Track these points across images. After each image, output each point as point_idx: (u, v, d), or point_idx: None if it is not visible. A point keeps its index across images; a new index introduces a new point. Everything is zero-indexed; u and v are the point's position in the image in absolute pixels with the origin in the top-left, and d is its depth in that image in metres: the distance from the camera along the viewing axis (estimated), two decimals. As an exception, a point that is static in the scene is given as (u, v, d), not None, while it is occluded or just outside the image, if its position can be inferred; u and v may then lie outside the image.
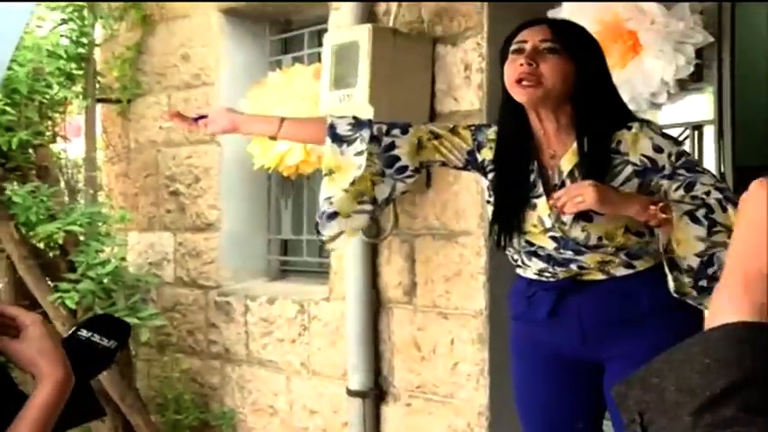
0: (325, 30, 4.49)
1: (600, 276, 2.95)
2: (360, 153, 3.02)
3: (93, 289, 4.63)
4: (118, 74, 5.58)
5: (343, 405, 4.32)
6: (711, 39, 3.56)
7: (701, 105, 3.70)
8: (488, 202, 3.08)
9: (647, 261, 2.94)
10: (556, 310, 2.99)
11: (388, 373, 4.22)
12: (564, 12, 3.76)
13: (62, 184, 5.33)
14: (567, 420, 3.01)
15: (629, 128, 2.88)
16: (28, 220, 4.66)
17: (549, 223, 2.91)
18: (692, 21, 3.56)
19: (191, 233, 5.26)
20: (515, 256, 3.04)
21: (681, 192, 2.78)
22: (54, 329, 1.63)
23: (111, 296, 4.74)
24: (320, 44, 4.26)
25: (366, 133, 3.03)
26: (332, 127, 3.08)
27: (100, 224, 4.94)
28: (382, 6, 4.27)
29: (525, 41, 2.88)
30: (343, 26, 4.27)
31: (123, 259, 5.15)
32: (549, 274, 2.99)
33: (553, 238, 2.92)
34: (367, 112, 3.75)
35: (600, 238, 2.89)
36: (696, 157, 3.60)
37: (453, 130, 3.08)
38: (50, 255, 4.96)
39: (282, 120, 3.18)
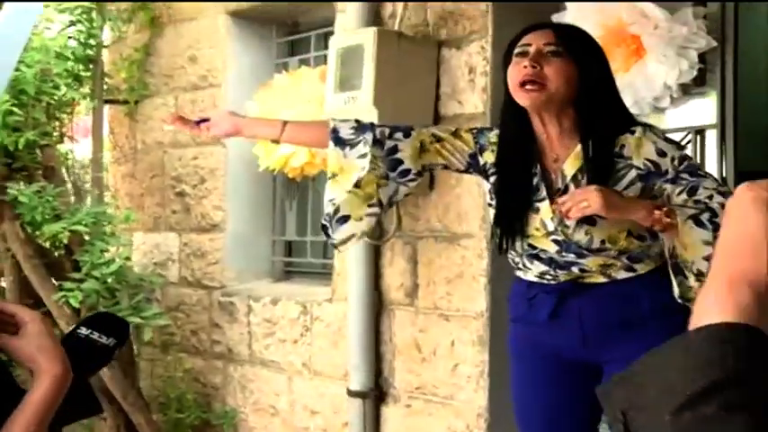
0: (332, 32, 4.51)
1: (601, 279, 2.96)
2: (363, 156, 3.03)
3: (98, 288, 4.64)
4: (125, 75, 5.60)
5: (344, 405, 4.33)
6: (715, 43, 3.57)
7: (704, 110, 3.70)
8: (490, 205, 3.09)
9: (648, 264, 2.95)
10: (557, 312, 2.99)
11: (388, 374, 4.23)
12: (568, 16, 3.77)
13: (68, 185, 5.35)
14: (565, 422, 3.01)
15: (633, 132, 2.89)
16: (33, 219, 4.67)
17: (551, 227, 2.92)
18: (695, 25, 3.57)
19: (196, 234, 5.28)
20: (516, 259, 3.04)
21: (684, 196, 2.79)
22: (52, 327, 1.64)
23: (115, 295, 4.76)
24: (327, 47, 4.28)
25: (369, 136, 3.04)
26: (335, 131, 3.08)
27: (105, 224, 4.95)
28: (388, 9, 4.28)
29: (529, 45, 2.89)
30: (349, 29, 4.28)
31: (128, 259, 5.16)
32: (549, 277, 3.00)
33: (555, 241, 2.93)
34: (371, 115, 3.77)
35: (603, 242, 2.89)
36: (698, 161, 3.60)
37: (455, 134, 3.08)
38: (55, 254, 4.98)
39: (285, 123, 3.19)
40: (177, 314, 5.31)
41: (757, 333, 0.85)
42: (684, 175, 2.83)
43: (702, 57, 3.60)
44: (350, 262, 4.30)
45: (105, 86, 5.56)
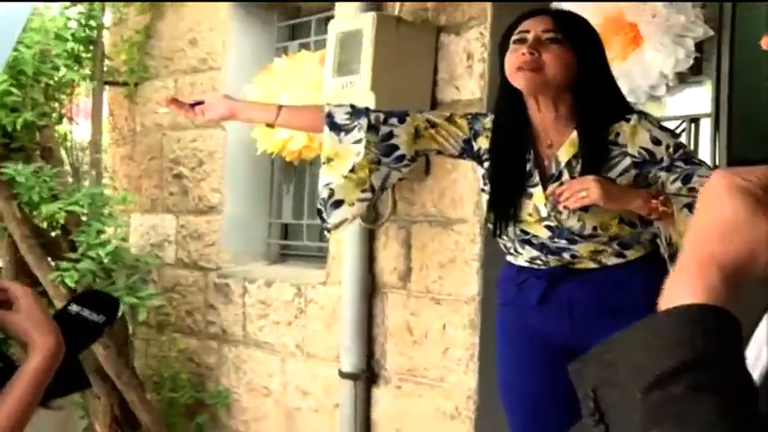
0: (333, 17, 4.51)
1: (591, 265, 2.97)
2: (358, 141, 3.04)
3: (93, 268, 4.66)
4: (126, 57, 5.61)
5: (336, 387, 4.35)
6: (712, 32, 3.57)
7: (699, 98, 3.70)
8: (483, 190, 3.10)
9: (638, 251, 2.96)
10: (546, 296, 3.01)
11: (380, 356, 4.24)
12: (566, 3, 3.77)
13: (67, 166, 5.36)
14: (550, 407, 3.01)
15: (628, 120, 2.90)
16: (31, 199, 4.69)
17: (544, 212, 2.93)
18: (692, 14, 3.57)
19: (193, 216, 5.30)
20: (508, 244, 3.05)
21: (678, 184, 2.80)
22: (44, 302, 1.66)
23: (111, 276, 4.78)
24: (327, 31, 4.28)
25: (364, 122, 3.05)
26: (330, 115, 3.09)
27: (102, 205, 4.96)
28: (389, -7, 4.29)
29: (528, 31, 2.90)
30: (349, 14, 4.29)
31: (124, 240, 5.18)
32: (540, 262, 3.01)
33: (548, 227, 2.94)
34: (369, 100, 3.77)
35: (595, 228, 2.91)
36: (692, 149, 3.61)
37: (450, 119, 3.09)
38: (52, 234, 4.99)
39: (280, 107, 3.21)
40: (173, 295, 5.33)
41: (726, 315, 0.86)
42: (679, 163, 2.84)
43: (699, 46, 3.60)
44: (344, 245, 4.31)
45: (105, 68, 5.56)
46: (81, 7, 5.35)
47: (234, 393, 4.98)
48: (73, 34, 5.29)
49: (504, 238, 3.03)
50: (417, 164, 3.39)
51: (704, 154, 3.61)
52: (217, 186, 5.17)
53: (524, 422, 3.12)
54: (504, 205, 3.00)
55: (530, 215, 2.96)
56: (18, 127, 4.79)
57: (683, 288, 0.88)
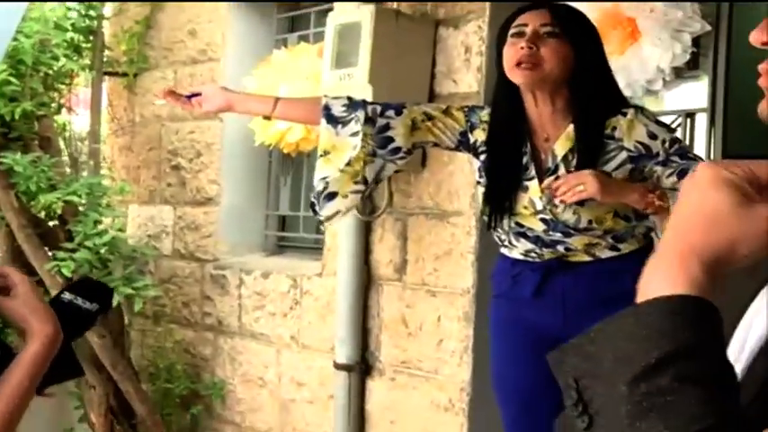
0: (332, 9, 4.51)
1: (586, 258, 2.99)
2: (355, 134, 3.05)
3: (90, 258, 4.65)
4: (125, 48, 5.60)
5: (331, 378, 4.35)
6: (709, 28, 3.58)
7: (695, 93, 3.71)
8: (479, 183, 3.11)
9: (632, 244, 2.98)
10: (541, 289, 3.02)
11: (374, 348, 4.25)
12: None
13: (65, 156, 5.36)
14: (544, 400, 3.01)
15: (625, 114, 2.91)
16: (28, 189, 4.68)
17: (540, 205, 2.94)
18: (690, 9, 3.58)
19: (190, 207, 5.30)
20: (503, 237, 3.06)
21: (673, 178, 2.81)
22: (40, 291, 1.67)
23: (108, 266, 4.78)
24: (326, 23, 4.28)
25: (361, 114, 3.05)
26: (327, 108, 3.10)
27: (99, 195, 4.96)
28: (388, -13, 4.29)
29: (526, 25, 2.90)
30: (348, 6, 4.28)
31: (121, 230, 5.18)
32: (534, 255, 3.02)
33: (543, 220, 2.95)
34: (366, 92, 3.77)
35: (590, 222, 2.92)
36: (687, 144, 3.61)
37: (446, 111, 3.10)
38: (49, 224, 4.99)
39: (277, 100, 3.22)
40: (169, 286, 5.33)
41: (708, 306, 0.86)
42: (675, 158, 2.86)
43: (696, 41, 3.61)
44: (341, 237, 4.32)
45: (105, 58, 5.56)
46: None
47: (229, 384, 4.99)
48: (73, 24, 5.28)
49: (499, 230, 3.04)
50: (414, 156, 3.40)
51: (700, 149, 3.62)
52: (214, 178, 5.17)
53: (517, 414, 3.13)
54: (499, 198, 3.01)
55: (525, 208, 2.97)
56: (17, 116, 4.79)
57: (663, 278, 0.88)
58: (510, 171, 3.00)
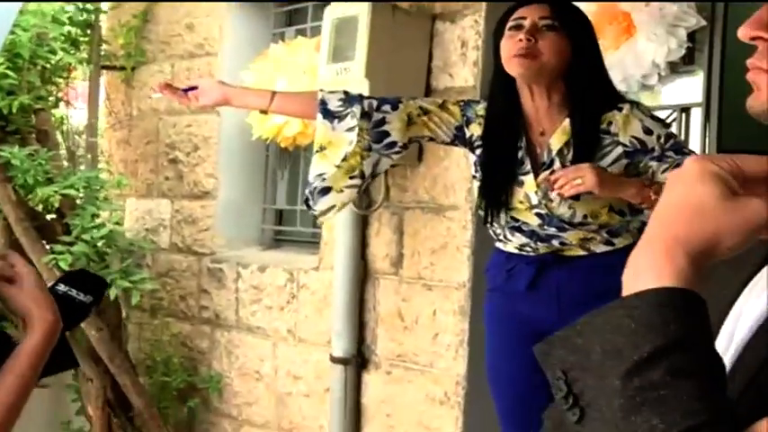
0: (329, 3, 4.51)
1: (580, 252, 3.00)
2: (351, 129, 3.05)
3: (87, 252, 4.66)
4: (123, 41, 5.60)
5: (327, 372, 4.36)
6: (704, 22, 3.58)
7: (690, 88, 3.72)
8: (474, 177, 3.12)
9: (627, 239, 2.99)
10: (535, 282, 3.03)
11: (371, 341, 4.26)
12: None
13: (62, 150, 5.37)
14: (538, 393, 3.02)
15: (620, 109, 2.92)
16: (26, 182, 4.68)
17: (535, 200, 2.95)
18: (685, 4, 3.58)
19: (188, 200, 5.31)
20: (498, 231, 3.07)
21: (668, 173, 2.82)
22: (44, 282, 1.69)
23: (105, 259, 4.79)
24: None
25: (357, 109, 3.06)
26: (323, 102, 3.11)
27: (97, 189, 4.97)
28: (385, -19, 4.29)
29: (524, 18, 2.91)
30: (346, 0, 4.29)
31: (119, 224, 5.19)
32: (530, 249, 3.03)
33: (538, 214, 2.96)
34: (363, 86, 3.78)
35: (585, 216, 2.93)
36: (682, 139, 3.62)
37: (442, 106, 3.11)
38: (47, 217, 5.00)
39: (274, 94, 3.22)
40: (167, 279, 5.34)
41: (695, 298, 0.86)
42: (670, 153, 2.87)
43: (692, 35, 3.62)
44: (337, 231, 4.32)
45: (102, 52, 5.56)
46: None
47: (226, 378, 5.00)
48: (70, 18, 5.29)
49: (495, 224, 3.05)
50: (410, 150, 3.41)
51: (694, 143, 3.63)
52: (211, 171, 5.18)
53: (512, 407, 3.14)
54: (495, 192, 3.02)
55: (520, 202, 2.98)
56: (14, 110, 4.79)
57: (649, 270, 0.88)
58: (505, 165, 3.01)
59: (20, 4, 4.47)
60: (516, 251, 3.07)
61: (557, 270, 3.02)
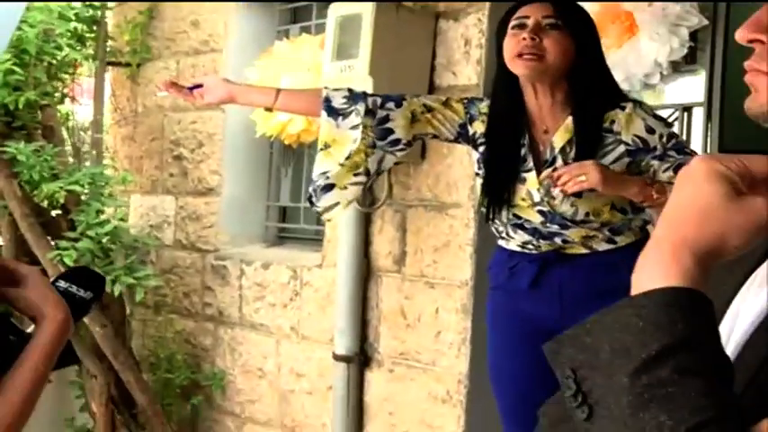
0: (334, 1, 4.52)
1: (582, 250, 3.00)
2: (355, 126, 3.06)
3: (92, 248, 4.67)
4: (129, 38, 5.61)
5: (330, 369, 4.37)
6: (706, 22, 3.58)
7: (693, 87, 3.72)
8: (477, 174, 3.12)
9: (629, 237, 2.99)
10: (538, 280, 3.04)
11: (373, 339, 4.26)
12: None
13: (68, 146, 5.38)
14: (540, 391, 3.01)
15: (623, 108, 2.92)
16: (31, 178, 4.69)
17: (537, 197, 2.96)
18: (688, 3, 3.59)
19: (192, 197, 5.32)
20: (500, 228, 3.07)
21: (670, 173, 2.83)
22: (47, 279, 1.70)
23: (110, 256, 4.80)
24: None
25: (361, 107, 3.06)
26: (327, 100, 3.11)
27: (102, 185, 4.98)
28: (389, -21, 4.29)
29: (527, 17, 2.91)
30: (350, -2, 4.30)
31: (123, 220, 5.20)
32: (532, 247, 3.03)
33: (541, 212, 2.97)
34: (367, 84, 3.78)
35: (587, 214, 2.93)
36: (684, 138, 3.62)
37: (446, 103, 3.11)
38: (52, 213, 5.01)
39: (278, 91, 3.23)
40: (170, 276, 5.35)
41: (702, 297, 0.87)
42: (672, 153, 2.87)
43: (694, 35, 3.62)
44: (341, 229, 4.33)
45: (108, 48, 5.57)
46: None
47: (229, 375, 5.01)
48: (77, 14, 5.30)
49: (497, 222, 3.06)
50: (413, 148, 3.41)
51: (696, 143, 3.63)
52: (216, 168, 5.19)
53: (514, 405, 3.14)
54: (498, 189, 3.02)
55: (523, 200, 2.99)
56: (20, 106, 4.80)
57: (657, 270, 0.89)
58: (508, 163, 3.01)
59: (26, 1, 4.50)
60: (518, 249, 3.07)
61: (559, 268, 3.02)
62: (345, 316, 4.26)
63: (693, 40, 3.61)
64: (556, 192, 2.90)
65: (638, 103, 2.99)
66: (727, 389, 0.85)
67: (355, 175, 3.08)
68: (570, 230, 2.97)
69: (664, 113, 3.41)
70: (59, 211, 4.99)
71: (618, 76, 3.19)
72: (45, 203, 4.96)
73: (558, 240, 2.99)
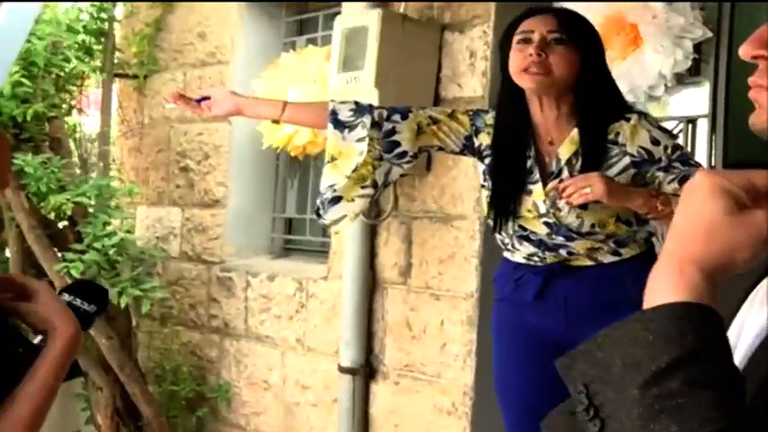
0: (340, 13, 4.53)
1: (587, 262, 3.00)
2: (361, 139, 3.06)
3: (98, 260, 4.68)
4: (136, 50, 5.63)
5: (335, 381, 4.37)
6: (710, 34, 3.58)
7: (697, 99, 3.72)
8: (483, 186, 3.12)
9: (633, 249, 2.99)
10: (543, 292, 3.04)
11: (379, 351, 4.26)
12: (568, 2, 3.78)
13: (75, 157, 5.39)
14: (545, 404, 3.01)
15: (628, 119, 2.93)
16: (39, 190, 4.70)
17: (543, 209, 2.96)
18: (692, 16, 3.59)
19: (198, 209, 5.33)
20: (506, 240, 3.08)
21: (675, 185, 2.83)
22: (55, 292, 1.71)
23: (116, 267, 4.80)
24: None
25: (367, 119, 3.07)
26: (334, 113, 3.12)
27: (109, 197, 4.99)
28: (395, -8, 4.31)
29: (532, 31, 2.91)
30: (356, 10, 4.31)
31: (130, 232, 5.21)
32: (537, 259, 3.03)
33: (546, 223, 2.97)
34: (373, 96, 3.79)
35: (592, 226, 2.93)
36: (689, 150, 3.62)
37: (452, 115, 3.12)
38: (59, 225, 5.02)
39: (285, 104, 3.23)
40: (176, 288, 5.36)
41: (711, 312, 0.88)
42: (677, 164, 2.87)
43: (698, 47, 3.62)
44: (346, 241, 4.33)
45: (115, 60, 5.59)
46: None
47: (234, 387, 5.01)
48: (84, 26, 5.32)
49: (503, 233, 3.06)
50: (419, 160, 3.42)
51: (701, 155, 3.62)
52: (222, 180, 5.20)
53: (519, 418, 3.14)
54: (503, 201, 3.02)
55: (528, 211, 2.99)
56: (28, 118, 4.82)
57: (666, 286, 0.90)
58: (514, 174, 3.01)
59: (35, 13, 4.52)
60: (524, 261, 3.07)
61: (564, 280, 3.02)
62: (351, 328, 4.26)
63: (697, 53, 3.60)
64: (562, 203, 2.90)
65: (643, 115, 2.99)
66: (736, 401, 0.86)
67: (362, 187, 3.08)
68: (575, 242, 2.97)
69: (668, 125, 3.41)
70: (66, 223, 4.99)
71: (622, 87, 3.19)
72: (52, 215, 4.97)
73: (563, 252, 2.99)
